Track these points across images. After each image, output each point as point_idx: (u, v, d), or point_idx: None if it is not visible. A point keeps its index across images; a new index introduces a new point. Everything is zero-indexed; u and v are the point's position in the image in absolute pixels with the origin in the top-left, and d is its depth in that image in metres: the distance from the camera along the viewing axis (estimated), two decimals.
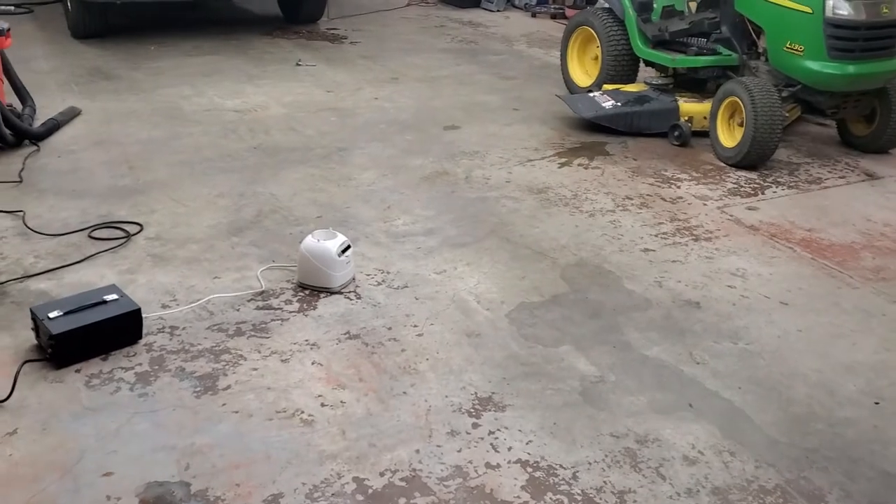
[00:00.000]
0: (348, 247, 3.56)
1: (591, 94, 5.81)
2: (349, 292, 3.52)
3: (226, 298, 3.40)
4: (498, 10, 9.87)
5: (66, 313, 2.97)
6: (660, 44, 5.86)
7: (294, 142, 5.33)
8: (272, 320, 3.29)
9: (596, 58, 6.33)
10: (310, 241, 3.52)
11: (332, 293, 3.50)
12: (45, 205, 4.23)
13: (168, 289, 3.48)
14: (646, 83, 5.88)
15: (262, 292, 3.49)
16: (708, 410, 2.91)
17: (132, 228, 4.00)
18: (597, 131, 5.64)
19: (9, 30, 5.10)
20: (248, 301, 3.42)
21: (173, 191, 4.48)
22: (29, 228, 3.92)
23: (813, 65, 4.95)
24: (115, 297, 3.10)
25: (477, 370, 3.02)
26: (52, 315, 2.95)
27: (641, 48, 5.88)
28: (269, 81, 6.66)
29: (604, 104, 5.65)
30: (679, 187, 4.79)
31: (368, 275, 3.68)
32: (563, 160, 5.16)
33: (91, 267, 3.63)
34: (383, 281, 3.62)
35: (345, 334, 3.21)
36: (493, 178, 4.83)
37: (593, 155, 5.27)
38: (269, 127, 5.58)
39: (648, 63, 6.08)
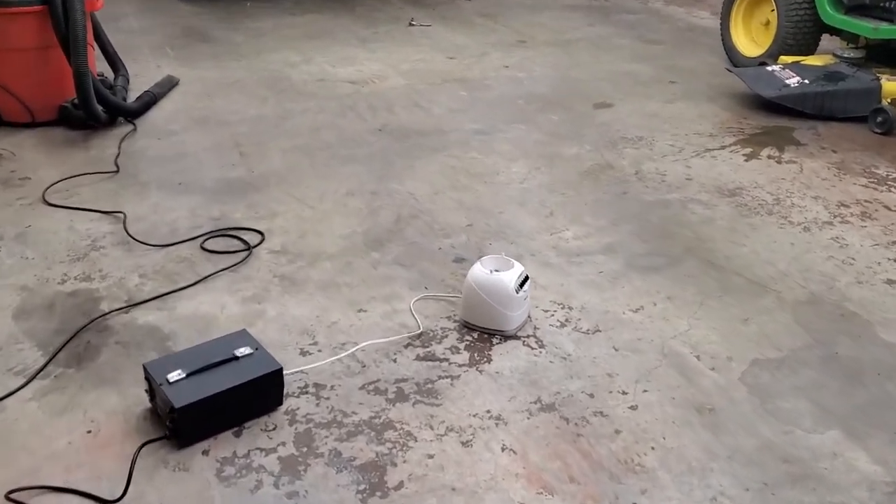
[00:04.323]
0: (526, 278, 2.83)
1: (770, 69, 4.90)
2: (527, 336, 2.79)
3: (378, 344, 2.71)
4: None
5: (189, 375, 2.31)
6: (854, 9, 4.90)
7: (423, 122, 4.58)
8: (439, 377, 2.58)
9: (767, 23, 5.40)
10: (479, 271, 2.79)
11: (507, 337, 2.78)
12: (146, 203, 3.59)
13: (305, 326, 2.80)
14: (835, 55, 4.94)
15: (420, 334, 2.78)
16: None
17: (252, 237, 3.34)
18: (777, 112, 4.75)
19: None
20: (406, 347, 2.72)
21: (294, 186, 3.79)
22: (131, 237, 3.29)
23: None
24: (248, 350, 2.43)
25: (724, 468, 2.27)
26: (171, 378, 2.29)
27: (832, 14, 4.92)
28: (382, 45, 5.91)
29: (788, 81, 4.74)
30: None
31: (546, 310, 2.94)
32: (748, 150, 4.30)
33: (208, 291, 2.98)
34: (567, 321, 2.88)
35: (535, 402, 2.48)
36: (669, 173, 4.01)
37: (782, 144, 4.39)
38: (391, 102, 4.84)
39: (833, 31, 5.12)
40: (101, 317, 2.79)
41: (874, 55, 4.93)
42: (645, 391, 2.54)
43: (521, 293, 2.77)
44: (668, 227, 3.52)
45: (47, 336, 2.71)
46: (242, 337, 2.51)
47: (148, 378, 2.35)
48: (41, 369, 2.55)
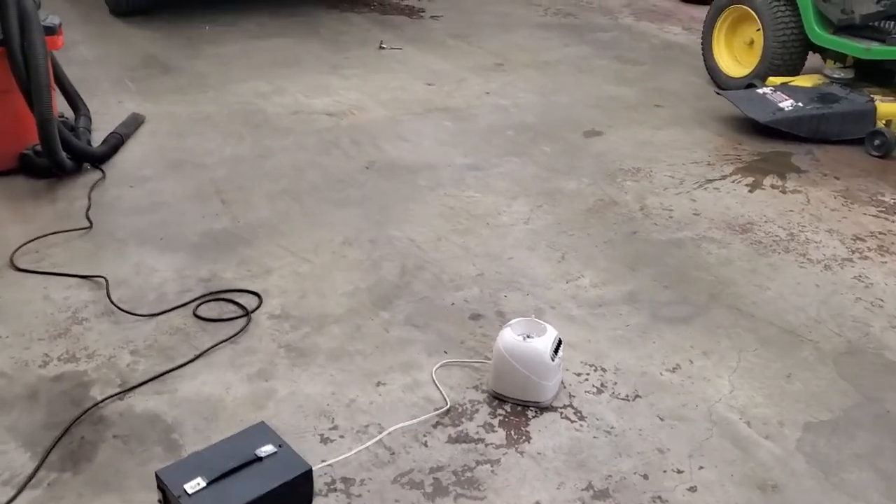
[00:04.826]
0: (560, 343, 2.63)
1: (762, 92, 4.79)
2: (564, 407, 2.59)
3: (405, 426, 2.48)
4: None
5: (209, 483, 2.05)
6: (844, 29, 4.82)
7: (412, 158, 4.35)
8: (477, 463, 2.37)
9: (751, 43, 5.29)
10: (510, 338, 2.58)
11: (543, 409, 2.58)
12: (127, 263, 3.29)
13: (321, 407, 2.55)
14: (824, 76, 4.86)
15: (449, 410, 2.56)
16: None
17: (248, 300, 3.07)
18: (770, 136, 4.64)
19: (60, 26, 4.12)
20: (435, 427, 2.49)
21: (285, 236, 3.53)
22: (116, 306, 2.99)
23: None
24: (271, 448, 2.17)
25: None
26: (190, 488, 2.03)
27: (820, 34, 4.83)
28: (355, 72, 5.66)
29: (781, 104, 4.64)
30: None
31: (578, 374, 2.74)
32: (750, 180, 4.17)
33: (209, 369, 2.71)
34: (603, 386, 2.69)
35: (587, 489, 2.28)
36: (675, 208, 3.86)
37: (783, 171, 4.28)
38: (375, 136, 4.61)
39: (821, 51, 5.05)
40: (94, 406, 2.51)
41: (862, 75, 4.87)
42: (701, 468, 2.36)
43: (556, 360, 2.58)
44: (687, 271, 3.36)
45: (34, 432, 2.42)
46: (262, 432, 2.25)
47: (162, 488, 2.08)
48: (32, 475, 2.26)
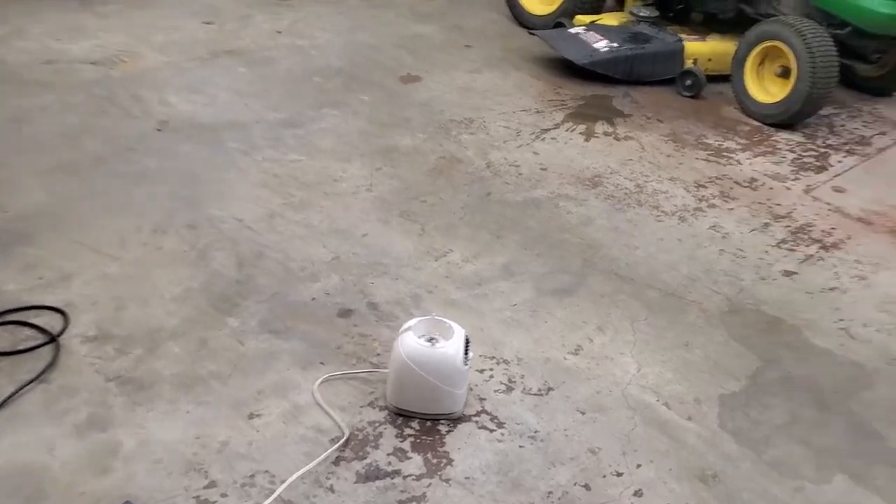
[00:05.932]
0: (468, 342, 2.27)
1: (575, 32, 4.63)
2: (477, 414, 2.25)
3: (302, 472, 2.00)
4: None
5: None
6: None
7: (211, 115, 3.69)
8: (400, 503, 1.97)
9: None
10: (415, 344, 2.17)
11: (455, 420, 2.22)
12: None
13: (187, 458, 2.00)
14: (631, 14, 4.80)
15: (348, 439, 2.12)
16: None
17: (49, 320, 2.37)
18: (585, 78, 4.51)
19: None
20: (337, 464, 2.04)
21: (77, 228, 2.80)
22: None
23: (873, 3, 4.10)
24: None
25: None
26: None
27: None
28: (114, 8, 4.75)
29: (596, 45, 4.51)
30: (739, 162, 3.86)
31: (481, 370, 2.40)
32: (583, 127, 4.00)
33: (17, 424, 2.03)
34: (511, 381, 2.38)
35: None
36: (521, 164, 3.59)
37: (609, 117, 4.16)
38: (159, 89, 3.86)
39: None
40: None
41: (662, 13, 4.87)
42: (639, 466, 2.14)
43: (468, 364, 2.22)
44: (553, 234, 3.11)
45: None
46: None
47: None
48: None
